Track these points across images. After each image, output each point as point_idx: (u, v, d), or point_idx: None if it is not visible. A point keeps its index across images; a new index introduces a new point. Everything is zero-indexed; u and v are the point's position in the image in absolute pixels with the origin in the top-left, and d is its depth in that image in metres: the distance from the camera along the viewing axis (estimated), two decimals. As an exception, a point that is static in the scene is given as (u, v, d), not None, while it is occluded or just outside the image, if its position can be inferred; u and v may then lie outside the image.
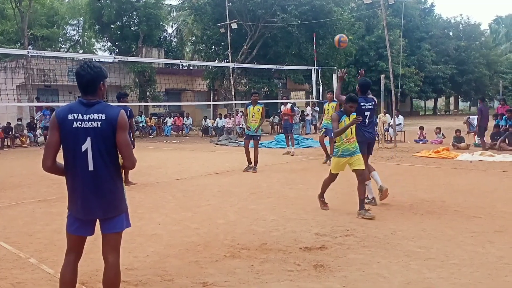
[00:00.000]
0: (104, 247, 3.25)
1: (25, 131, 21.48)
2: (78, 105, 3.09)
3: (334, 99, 12.00)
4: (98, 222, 3.25)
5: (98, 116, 3.04)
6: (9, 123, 20.72)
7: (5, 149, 19.82)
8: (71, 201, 3.20)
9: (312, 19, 25.87)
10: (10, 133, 20.68)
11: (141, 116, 27.48)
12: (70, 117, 3.04)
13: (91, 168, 3.05)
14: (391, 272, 4.18)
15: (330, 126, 11.57)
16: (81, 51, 41.57)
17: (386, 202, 6.99)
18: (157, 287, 4.00)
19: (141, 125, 26.93)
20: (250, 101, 11.47)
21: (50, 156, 3.12)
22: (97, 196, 3.09)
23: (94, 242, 5.25)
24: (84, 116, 3.04)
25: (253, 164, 10.90)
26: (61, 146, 3.10)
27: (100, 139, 3.04)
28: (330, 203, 7.08)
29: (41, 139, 22.81)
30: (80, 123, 3.03)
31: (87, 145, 3.02)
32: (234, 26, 23.79)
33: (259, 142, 11.42)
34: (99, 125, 3.03)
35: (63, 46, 41.62)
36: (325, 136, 11.98)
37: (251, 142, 11.11)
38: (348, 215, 6.27)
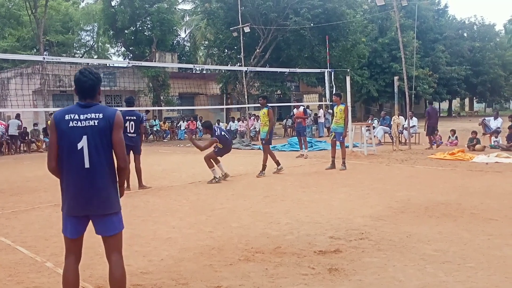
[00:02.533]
0: (106, 250, 3.35)
1: (41, 136, 21.72)
2: (76, 107, 3.23)
3: (342, 102, 11.98)
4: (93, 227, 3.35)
5: (96, 115, 3.16)
6: (25, 128, 20.98)
7: (21, 154, 20.07)
8: (65, 198, 3.25)
9: (325, 22, 25.81)
10: (26, 138, 20.94)
11: (155, 120, 27.65)
12: (66, 117, 3.17)
13: (87, 165, 3.14)
14: (406, 275, 4.14)
15: (339, 130, 11.57)
16: (95, 57, 42.01)
17: (401, 205, 6.93)
18: (171, 291, 4.01)
19: (155, 129, 27.11)
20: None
21: (53, 158, 3.24)
22: (92, 192, 3.16)
23: (109, 246, 5.30)
24: (81, 116, 3.16)
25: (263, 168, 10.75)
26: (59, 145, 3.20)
27: (97, 136, 3.15)
28: (344, 206, 7.06)
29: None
30: (76, 122, 3.14)
31: (82, 143, 3.12)
32: (247, 29, 23.85)
33: (270, 146, 11.24)
34: (96, 124, 3.15)
35: (78, 51, 42.12)
36: (335, 140, 11.71)
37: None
38: (362, 218, 6.23)
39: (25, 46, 35.35)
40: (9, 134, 20.31)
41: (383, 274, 4.20)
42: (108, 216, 3.26)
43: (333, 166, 11.37)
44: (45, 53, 28.02)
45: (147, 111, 26.72)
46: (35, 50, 32.87)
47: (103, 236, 3.33)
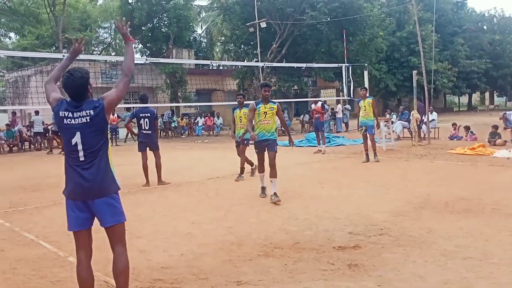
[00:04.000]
0: (110, 240, 3.49)
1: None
2: (70, 104, 3.37)
3: (368, 95, 12.01)
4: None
5: (86, 113, 3.32)
6: (46, 125, 21.28)
7: (42, 150, 20.39)
8: (66, 186, 3.43)
9: (342, 16, 25.63)
10: (47, 134, 21.24)
11: (173, 116, 27.82)
12: (61, 114, 3.36)
13: (82, 158, 3.34)
14: (427, 271, 4.11)
15: (370, 123, 11.65)
16: (113, 53, 42.35)
17: (421, 201, 6.88)
18: (192, 286, 4.04)
19: (173, 125, 27.27)
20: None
21: None
22: (86, 180, 3.32)
23: (130, 242, 5.36)
24: (75, 114, 3.33)
25: (255, 166, 9.71)
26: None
27: (89, 132, 3.32)
28: (363, 201, 7.03)
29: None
30: (70, 120, 3.33)
31: (76, 139, 3.32)
32: (263, 25, 23.83)
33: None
34: (88, 120, 3.32)
35: (96, 49, 42.51)
36: (367, 134, 11.80)
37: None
38: (382, 213, 6.20)
39: (45, 43, 35.79)
40: (34, 131, 20.62)
41: (403, 270, 4.18)
42: (102, 203, 3.37)
43: (368, 159, 11.50)
44: (64, 50, 28.31)
45: (172, 111, 26.94)
46: (54, 48, 33.28)
47: (106, 228, 3.45)
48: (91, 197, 3.35)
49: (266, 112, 7.49)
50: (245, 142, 9.92)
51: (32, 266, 4.67)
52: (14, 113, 24.49)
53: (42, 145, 21.17)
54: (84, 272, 3.41)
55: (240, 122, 10.11)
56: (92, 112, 3.33)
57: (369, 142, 11.77)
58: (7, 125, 22.17)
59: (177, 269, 4.43)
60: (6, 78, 35.28)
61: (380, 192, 7.73)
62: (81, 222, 3.41)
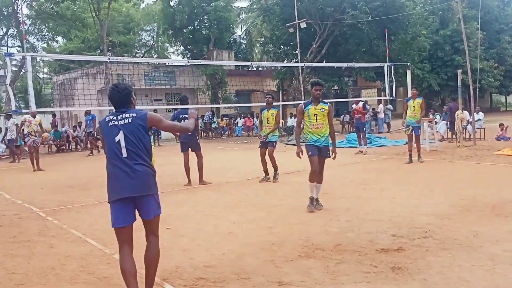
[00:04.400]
0: (146, 231, 3.80)
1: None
2: (113, 113, 3.77)
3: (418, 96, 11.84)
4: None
5: (129, 115, 3.69)
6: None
7: (87, 151, 21.00)
8: (109, 186, 3.69)
9: (383, 15, 25.21)
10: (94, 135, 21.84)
11: (213, 117, 28.11)
12: (107, 119, 3.75)
13: (124, 155, 3.60)
14: (474, 276, 4.00)
15: (416, 124, 11.48)
16: (155, 56, 43.16)
17: (467, 203, 6.69)
18: (234, 285, 4.08)
19: (213, 126, 27.56)
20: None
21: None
22: (131, 177, 3.57)
23: (173, 240, 5.48)
24: (118, 117, 3.70)
25: (274, 172, 9.68)
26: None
27: (130, 131, 3.63)
28: (406, 203, 6.90)
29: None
30: (114, 122, 3.68)
31: (119, 137, 3.62)
32: (303, 25, 23.73)
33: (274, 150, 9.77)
34: (130, 121, 3.66)
35: (139, 51, 43.43)
36: (413, 134, 11.62)
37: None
38: (426, 216, 6.07)
39: (90, 47, 36.86)
40: (87, 131, 21.22)
41: (449, 274, 4.08)
42: (146, 198, 3.64)
43: (411, 160, 11.32)
44: (108, 53, 29.10)
45: (212, 113, 27.20)
46: (99, 51, 34.25)
47: (144, 220, 3.73)
48: (136, 193, 3.63)
49: (316, 114, 6.68)
50: (274, 144, 9.72)
51: (80, 262, 4.82)
52: (54, 115, 25.14)
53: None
54: (128, 265, 3.64)
55: (268, 123, 9.83)
56: (134, 115, 3.70)
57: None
58: (54, 126, 23.00)
59: (219, 268, 4.48)
60: (54, 81, 36.57)
61: (424, 194, 7.57)
62: (125, 219, 3.71)
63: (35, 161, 13.78)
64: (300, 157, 6.72)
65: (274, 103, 10.34)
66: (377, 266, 4.32)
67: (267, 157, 9.62)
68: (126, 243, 3.71)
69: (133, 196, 3.58)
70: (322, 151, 6.80)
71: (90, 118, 20.14)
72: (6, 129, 17.07)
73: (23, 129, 14.11)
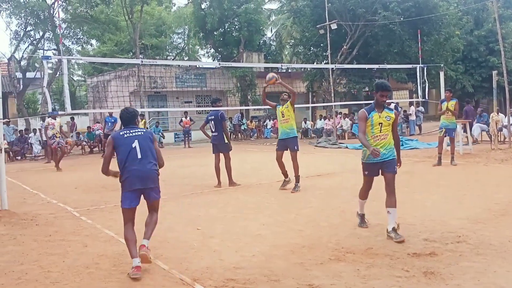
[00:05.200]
0: (149, 210, 5.05)
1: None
2: (126, 129, 5.01)
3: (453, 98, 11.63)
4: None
5: (140, 130, 5.01)
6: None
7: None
8: (125, 181, 4.87)
9: (416, 16, 24.80)
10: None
11: (242, 119, 28.22)
12: (121, 133, 4.97)
13: (139, 156, 4.84)
14: (509, 282, 3.90)
15: (451, 126, 11.30)
16: (186, 58, 43.61)
17: (502, 208, 6.52)
18: (264, 287, 4.09)
19: (242, 128, 27.66)
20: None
21: (107, 164, 5.02)
22: (144, 172, 4.83)
23: (203, 241, 5.52)
24: (131, 131, 4.97)
25: (289, 179, 9.06)
26: (115, 153, 4.95)
27: (143, 140, 4.91)
28: (439, 207, 6.78)
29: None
30: (129, 134, 4.93)
31: (135, 144, 4.86)
32: (334, 26, 23.55)
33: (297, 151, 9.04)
34: (142, 133, 4.97)
35: (170, 54, 43.97)
36: (445, 136, 11.46)
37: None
38: (459, 220, 5.95)
39: (123, 50, 37.53)
40: (106, 132, 21.59)
41: (483, 279, 4.00)
42: (153, 189, 4.93)
43: (439, 163, 11.12)
44: (140, 56, 29.56)
45: (242, 114, 27.28)
46: (131, 54, 34.81)
47: (149, 203, 5.02)
48: (145, 186, 4.86)
49: (381, 123, 5.57)
50: (295, 147, 8.93)
51: (113, 261, 4.92)
52: (72, 118, 25.05)
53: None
54: (131, 235, 4.80)
55: (283, 117, 9.07)
56: (143, 131, 5.05)
57: (444, 145, 11.36)
58: (88, 127, 23.50)
59: (249, 269, 4.50)
60: (88, 83, 37.39)
61: (456, 198, 7.42)
62: (134, 202, 4.92)
63: (57, 161, 14.54)
64: (378, 154, 5.47)
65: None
66: (409, 271, 4.26)
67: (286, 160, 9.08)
68: (130, 220, 4.91)
69: (143, 182, 4.82)
70: (388, 164, 5.72)
71: (113, 120, 20.49)
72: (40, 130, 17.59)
73: (47, 132, 14.74)
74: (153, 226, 5.05)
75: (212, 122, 9.70)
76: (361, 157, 5.97)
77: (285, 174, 9.10)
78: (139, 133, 4.95)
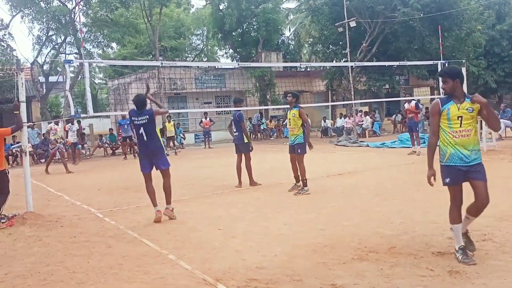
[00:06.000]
0: (163, 177, 7.06)
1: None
2: (135, 114, 6.93)
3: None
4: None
5: (144, 117, 6.82)
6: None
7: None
8: (139, 153, 7.24)
9: (436, 11, 24.44)
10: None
11: (261, 119, 28.21)
12: (133, 118, 6.93)
13: (145, 139, 6.83)
14: (538, 281, 3.82)
15: None
16: (205, 59, 43.81)
17: (528, 205, 6.38)
18: (286, 287, 4.08)
19: (261, 127, 27.67)
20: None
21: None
22: (150, 149, 6.88)
23: (225, 241, 5.54)
24: (139, 117, 6.86)
25: (300, 183, 8.81)
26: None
27: (146, 126, 6.81)
28: (464, 205, 6.64)
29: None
30: (137, 121, 6.87)
31: (142, 130, 6.82)
32: (353, 24, 23.40)
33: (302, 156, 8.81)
34: (146, 121, 6.81)
35: (189, 55, 44.22)
36: None
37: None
38: (484, 218, 5.82)
39: (142, 52, 37.89)
40: (124, 135, 21.74)
41: (510, 278, 3.93)
42: (159, 156, 6.91)
43: None
44: (160, 58, 29.80)
45: (261, 114, 27.29)
46: (151, 56, 35.14)
47: (160, 170, 6.97)
48: (152, 156, 6.90)
49: (461, 116, 4.45)
50: (299, 151, 8.72)
51: (136, 262, 4.97)
52: (79, 121, 24.28)
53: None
54: (150, 188, 6.98)
55: (289, 125, 9.01)
56: (147, 117, 6.82)
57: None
58: (110, 129, 23.78)
59: (271, 269, 4.50)
60: (109, 86, 37.86)
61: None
62: (148, 168, 6.98)
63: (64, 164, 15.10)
64: (432, 184, 4.69)
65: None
66: (434, 270, 4.21)
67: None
68: (149, 180, 7.00)
69: (150, 156, 6.88)
70: (476, 172, 4.49)
71: (128, 122, 20.58)
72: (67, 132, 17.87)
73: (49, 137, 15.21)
74: (168, 191, 7.05)
75: (233, 122, 9.82)
76: (440, 157, 4.66)
77: (296, 178, 8.98)
78: (144, 120, 6.81)
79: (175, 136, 22.44)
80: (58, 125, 15.22)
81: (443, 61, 13.61)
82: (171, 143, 21.50)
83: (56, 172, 15.35)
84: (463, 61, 16.24)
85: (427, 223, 5.81)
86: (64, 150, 15.57)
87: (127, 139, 19.65)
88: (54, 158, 15.96)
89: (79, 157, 19.03)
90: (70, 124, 17.67)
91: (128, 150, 19.97)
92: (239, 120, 9.74)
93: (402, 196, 7.65)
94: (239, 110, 10.01)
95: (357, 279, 4.11)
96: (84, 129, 19.46)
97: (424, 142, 15.96)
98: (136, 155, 19.88)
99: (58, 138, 15.11)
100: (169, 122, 21.78)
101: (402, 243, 5.05)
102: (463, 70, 14.10)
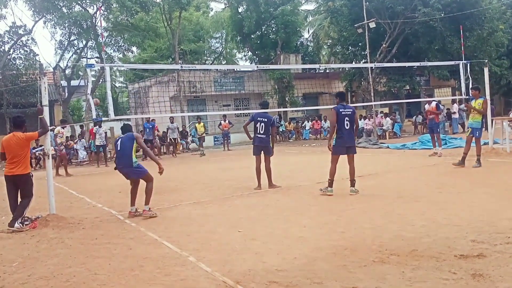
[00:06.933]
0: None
1: (178, 139, 23.29)
2: (122, 137, 7.79)
3: (481, 95, 11.24)
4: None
5: (128, 136, 7.75)
6: (164, 132, 22.69)
7: (161, 156, 21.78)
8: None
9: (457, 11, 24.12)
10: (165, 141, 22.64)
11: (280, 121, 28.19)
12: (120, 139, 7.84)
13: (120, 154, 7.67)
14: None
15: (475, 125, 10.86)
16: (224, 62, 43.98)
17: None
18: (307, 289, 4.06)
19: (280, 129, 27.65)
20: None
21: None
22: (121, 160, 7.65)
23: (245, 244, 5.54)
24: (121, 138, 7.78)
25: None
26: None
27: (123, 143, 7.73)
28: (486, 207, 6.55)
29: (192, 145, 24.61)
30: (120, 140, 7.79)
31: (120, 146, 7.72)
32: (372, 25, 23.24)
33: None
34: (124, 140, 7.76)
35: (208, 58, 44.44)
36: (472, 136, 11.02)
37: None
38: (508, 221, 5.73)
39: (162, 56, 38.22)
40: (147, 138, 21.96)
41: (536, 282, 3.83)
42: (127, 169, 7.64)
43: (462, 163, 10.68)
44: (179, 61, 30.01)
45: (280, 116, 27.39)
46: (170, 59, 35.41)
47: (131, 179, 7.89)
48: (123, 167, 7.73)
49: None
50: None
51: (157, 264, 5.00)
52: (81, 126, 24.25)
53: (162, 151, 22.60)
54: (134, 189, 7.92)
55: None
56: (129, 136, 7.79)
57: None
58: (140, 131, 24.03)
59: (292, 272, 4.48)
60: (129, 89, 38.27)
61: (505, 198, 7.16)
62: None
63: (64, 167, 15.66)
64: None
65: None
66: (457, 273, 4.14)
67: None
68: (133, 183, 7.88)
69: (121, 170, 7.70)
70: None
71: (151, 126, 20.88)
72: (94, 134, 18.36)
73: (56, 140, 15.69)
74: (149, 194, 7.74)
75: (263, 124, 9.66)
76: None
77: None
78: (124, 139, 7.82)
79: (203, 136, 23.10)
80: (64, 128, 15.85)
81: (465, 62, 13.40)
82: (201, 143, 22.29)
83: (78, 175, 15.57)
84: (486, 61, 15.98)
85: (449, 225, 5.73)
86: (65, 153, 16.21)
87: (148, 143, 19.83)
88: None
89: (105, 159, 19.04)
90: (97, 127, 17.92)
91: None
92: (273, 124, 9.77)
93: (424, 198, 7.55)
94: (267, 113, 10.01)
95: (378, 282, 4.07)
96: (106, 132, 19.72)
97: (446, 144, 15.77)
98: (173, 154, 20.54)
99: (63, 142, 15.89)
100: (199, 123, 22.31)
101: (424, 246, 4.98)
102: (485, 70, 13.90)
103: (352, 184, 8.54)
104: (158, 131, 22.12)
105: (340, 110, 8.59)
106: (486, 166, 10.74)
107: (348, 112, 8.58)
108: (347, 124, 8.56)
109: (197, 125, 22.73)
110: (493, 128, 13.39)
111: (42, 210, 8.01)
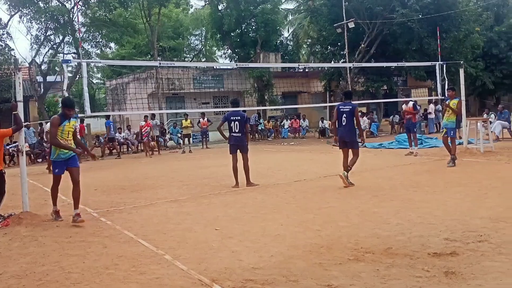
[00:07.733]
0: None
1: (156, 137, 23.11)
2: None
3: (456, 96, 11.47)
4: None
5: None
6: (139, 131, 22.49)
7: (139, 153, 21.61)
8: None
9: (435, 12, 24.47)
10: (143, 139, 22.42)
11: (259, 119, 28.21)
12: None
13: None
14: (534, 283, 3.81)
15: (450, 125, 11.09)
16: (203, 60, 43.77)
17: (525, 206, 6.38)
18: (282, 287, 4.07)
19: (259, 128, 27.68)
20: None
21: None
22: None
23: (222, 242, 5.53)
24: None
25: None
26: None
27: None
28: (460, 206, 6.67)
29: (170, 143, 24.50)
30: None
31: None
32: (351, 25, 23.43)
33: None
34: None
35: (188, 55, 44.17)
36: (447, 136, 11.25)
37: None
38: (481, 219, 5.84)
39: (141, 52, 37.84)
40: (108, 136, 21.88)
41: (507, 279, 3.91)
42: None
43: (453, 163, 10.90)
44: (158, 58, 29.77)
45: (259, 115, 27.45)
46: (149, 56, 35.09)
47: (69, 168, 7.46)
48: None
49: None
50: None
51: (132, 262, 4.95)
52: (82, 120, 24.67)
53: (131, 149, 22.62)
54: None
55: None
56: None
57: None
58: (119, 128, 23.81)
59: (268, 270, 4.49)
60: (107, 86, 37.80)
61: (478, 197, 7.29)
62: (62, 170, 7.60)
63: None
64: None
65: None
66: (430, 271, 4.20)
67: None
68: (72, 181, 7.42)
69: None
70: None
71: (111, 123, 21.06)
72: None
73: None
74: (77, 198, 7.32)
75: (237, 122, 9.67)
76: None
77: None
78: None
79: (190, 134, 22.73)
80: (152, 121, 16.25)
81: (441, 62, 13.61)
82: (186, 140, 21.86)
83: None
84: (461, 62, 16.26)
85: (423, 224, 5.81)
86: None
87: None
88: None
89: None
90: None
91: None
92: (247, 121, 9.81)
93: (399, 197, 7.65)
94: (239, 111, 10.01)
95: (353, 279, 4.11)
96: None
97: (422, 143, 16.00)
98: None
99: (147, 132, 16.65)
100: (186, 120, 22.02)
101: (398, 244, 5.04)
102: (461, 71, 14.15)
103: (346, 170, 9.04)
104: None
105: (340, 107, 9.25)
106: (460, 165, 10.93)
107: (346, 109, 9.11)
108: (344, 120, 9.10)
109: (183, 121, 22.33)
110: (467, 128, 13.64)
111: (15, 208, 7.85)
